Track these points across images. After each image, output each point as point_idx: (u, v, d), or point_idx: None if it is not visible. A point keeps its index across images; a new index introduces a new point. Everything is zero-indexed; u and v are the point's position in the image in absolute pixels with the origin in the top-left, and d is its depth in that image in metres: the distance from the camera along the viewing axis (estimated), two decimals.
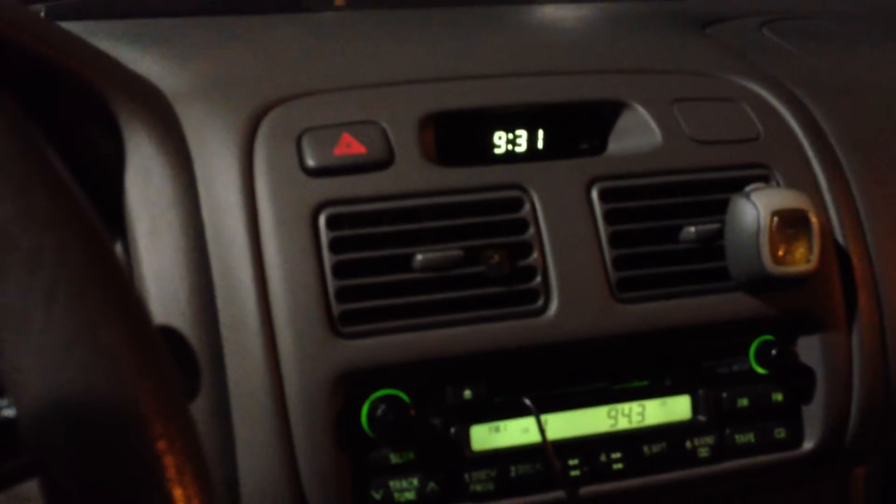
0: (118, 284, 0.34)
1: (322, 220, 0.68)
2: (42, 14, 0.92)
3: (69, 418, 0.32)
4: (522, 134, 0.80)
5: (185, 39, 0.85)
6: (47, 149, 0.35)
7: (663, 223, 0.75)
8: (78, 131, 0.68)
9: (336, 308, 0.67)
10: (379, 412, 0.67)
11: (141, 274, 0.65)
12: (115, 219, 0.67)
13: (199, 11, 0.97)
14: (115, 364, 0.33)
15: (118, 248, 0.67)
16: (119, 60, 0.74)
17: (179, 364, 0.54)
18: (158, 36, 0.85)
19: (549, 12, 1.11)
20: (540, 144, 0.80)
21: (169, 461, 0.33)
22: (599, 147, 0.80)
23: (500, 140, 0.79)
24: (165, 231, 0.66)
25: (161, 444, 0.33)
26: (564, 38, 0.94)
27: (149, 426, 0.33)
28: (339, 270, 0.68)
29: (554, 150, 0.80)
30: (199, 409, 0.63)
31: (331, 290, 0.67)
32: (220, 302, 0.65)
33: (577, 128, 0.81)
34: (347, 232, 0.68)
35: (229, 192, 0.68)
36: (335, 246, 0.68)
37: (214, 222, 0.67)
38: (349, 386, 0.67)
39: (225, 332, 0.65)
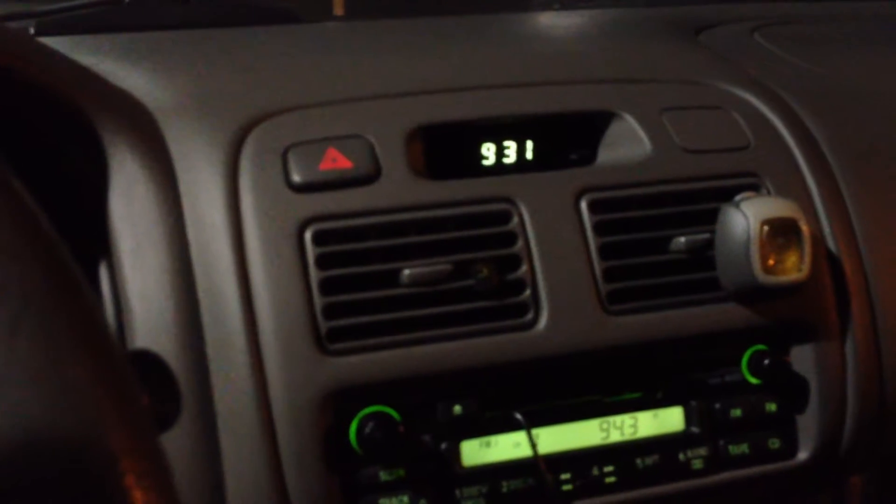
0: (86, 317, 0.34)
1: (308, 236, 0.68)
2: (31, 30, 0.92)
3: (35, 455, 0.31)
4: (511, 145, 0.79)
5: (173, 54, 0.84)
6: (13, 179, 0.35)
7: (653, 234, 0.75)
8: (61, 149, 0.68)
9: (323, 325, 0.66)
10: (368, 430, 0.66)
11: (125, 293, 0.65)
12: (99, 237, 0.66)
13: (191, 25, 0.97)
14: (81, 400, 0.32)
15: (102, 267, 0.67)
16: (104, 76, 0.74)
17: (164, 385, 0.54)
18: (146, 50, 0.85)
19: (540, 21, 1.10)
20: (529, 155, 0.80)
21: (139, 497, 0.32)
22: (589, 157, 0.80)
23: (489, 152, 0.79)
24: (150, 249, 0.65)
25: (129, 480, 0.32)
26: (554, 47, 0.93)
27: (118, 463, 0.32)
28: (325, 287, 0.67)
29: (543, 160, 0.79)
30: (186, 429, 0.63)
31: (318, 306, 0.67)
32: (206, 320, 0.65)
33: (566, 138, 0.81)
34: (334, 248, 0.68)
35: (214, 210, 0.67)
36: (322, 262, 0.67)
37: (199, 240, 0.66)
38: (337, 403, 0.67)
39: (211, 350, 0.65)
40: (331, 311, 0.67)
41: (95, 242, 0.67)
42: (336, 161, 0.70)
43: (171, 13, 1.02)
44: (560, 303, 0.71)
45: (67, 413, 0.32)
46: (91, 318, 0.34)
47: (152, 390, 0.50)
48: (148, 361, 0.51)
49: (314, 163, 0.70)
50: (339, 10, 1.20)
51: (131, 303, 0.64)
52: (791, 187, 0.79)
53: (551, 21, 1.09)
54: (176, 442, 0.62)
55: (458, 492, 0.70)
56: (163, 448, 0.34)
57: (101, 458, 0.32)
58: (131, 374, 0.34)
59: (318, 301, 0.67)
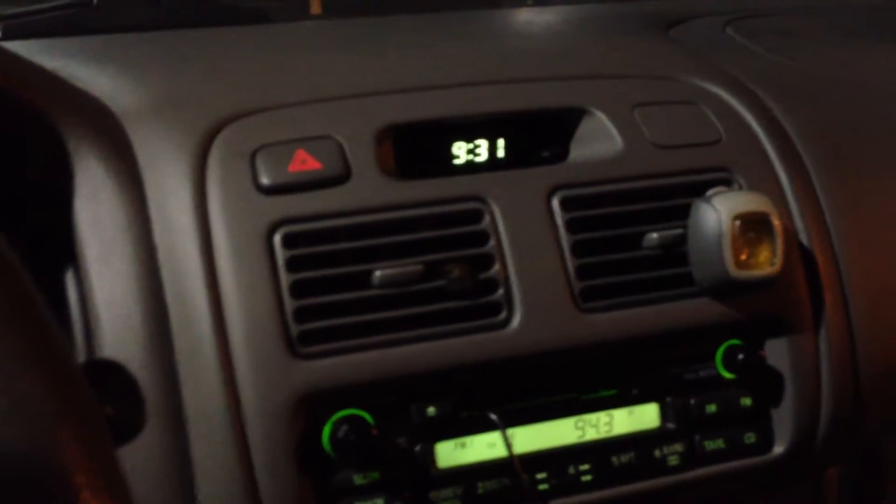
0: (39, 331, 0.33)
1: (277, 238, 0.67)
2: None
3: None
4: (483, 144, 0.79)
5: (141, 56, 0.84)
6: None
7: (626, 230, 0.75)
8: (25, 155, 0.67)
9: (294, 328, 0.66)
10: (341, 433, 0.66)
11: (92, 300, 0.64)
12: (65, 244, 0.66)
13: (162, 26, 0.96)
14: (33, 414, 0.31)
15: (69, 273, 0.66)
16: (70, 80, 0.73)
17: (128, 393, 0.53)
18: (114, 53, 0.84)
19: (514, 17, 1.10)
20: (501, 154, 0.79)
21: None
22: (561, 155, 0.80)
23: (460, 150, 0.78)
24: (116, 256, 0.64)
25: (84, 496, 0.31)
26: (525, 44, 0.93)
27: (71, 477, 0.31)
28: (296, 290, 0.66)
29: (515, 159, 0.79)
30: (156, 436, 0.62)
31: (288, 310, 0.66)
32: (175, 326, 0.64)
33: (538, 136, 0.80)
34: (304, 250, 0.67)
35: (181, 214, 0.66)
36: (292, 265, 0.67)
37: (167, 245, 0.66)
38: (310, 407, 0.66)
39: (180, 357, 0.64)
40: (302, 315, 0.66)
41: (61, 249, 0.66)
42: (305, 162, 0.70)
43: (141, 14, 1.01)
44: (533, 301, 0.71)
45: (19, 427, 0.31)
46: (44, 331, 0.33)
47: (116, 399, 0.50)
48: (111, 370, 0.50)
49: (283, 164, 0.69)
50: (315, 8, 1.19)
51: (98, 310, 0.64)
52: (763, 181, 0.79)
53: (524, 17, 1.09)
54: (146, 449, 0.61)
55: (433, 494, 0.69)
56: (119, 461, 0.34)
57: (54, 472, 0.31)
58: (86, 387, 0.34)
59: (289, 304, 0.66)
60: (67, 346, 0.34)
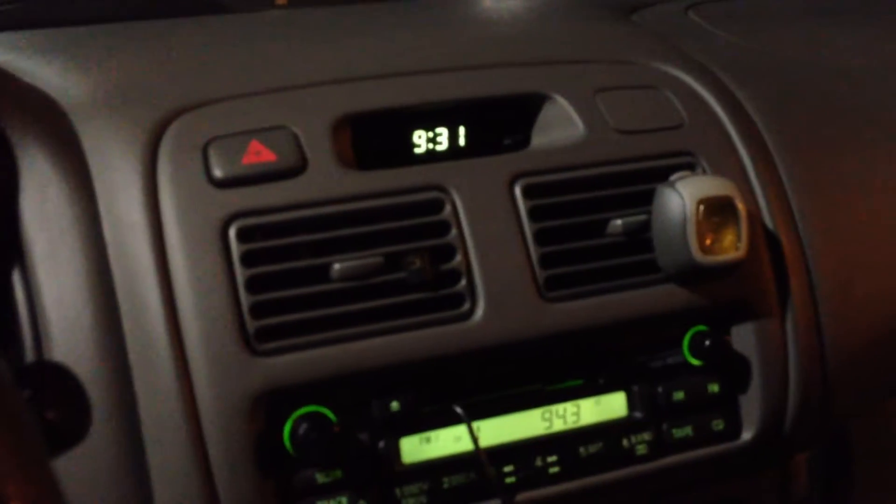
0: None
1: (232, 232, 0.65)
2: None
3: None
4: (443, 132, 0.77)
5: (91, 48, 0.81)
6: None
7: (589, 217, 0.74)
8: None
9: (251, 325, 0.64)
10: (302, 431, 0.64)
11: (41, 299, 0.62)
12: (11, 242, 0.63)
13: (116, 18, 0.93)
14: None
15: (16, 272, 0.64)
16: (13, 73, 0.71)
17: (78, 395, 0.51)
18: (63, 46, 0.81)
19: (477, 4, 1.08)
20: (462, 142, 0.78)
21: None
22: (523, 142, 0.78)
23: (420, 139, 0.77)
24: (65, 253, 0.62)
25: None
26: (485, 31, 0.92)
27: (3, 488, 0.30)
28: (252, 285, 0.65)
29: (476, 147, 0.78)
30: (109, 440, 0.60)
31: (244, 305, 0.64)
32: (127, 325, 0.62)
33: (499, 123, 0.79)
34: (259, 244, 0.66)
35: (132, 209, 0.64)
36: (247, 259, 0.65)
37: (117, 241, 0.64)
38: (269, 405, 0.64)
39: (133, 356, 0.62)
40: (258, 310, 0.65)
41: (8, 247, 0.64)
42: (259, 154, 0.68)
43: (94, 6, 0.98)
44: (496, 292, 0.70)
45: None
46: None
47: (60, 403, 0.48)
48: (55, 373, 0.48)
49: (237, 156, 0.67)
50: None
51: (47, 309, 0.62)
52: (726, 165, 0.78)
53: (485, 5, 1.07)
54: (99, 454, 0.60)
55: (398, 490, 0.68)
56: (53, 470, 0.32)
57: None
58: (18, 396, 0.32)
59: (245, 300, 0.64)
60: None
